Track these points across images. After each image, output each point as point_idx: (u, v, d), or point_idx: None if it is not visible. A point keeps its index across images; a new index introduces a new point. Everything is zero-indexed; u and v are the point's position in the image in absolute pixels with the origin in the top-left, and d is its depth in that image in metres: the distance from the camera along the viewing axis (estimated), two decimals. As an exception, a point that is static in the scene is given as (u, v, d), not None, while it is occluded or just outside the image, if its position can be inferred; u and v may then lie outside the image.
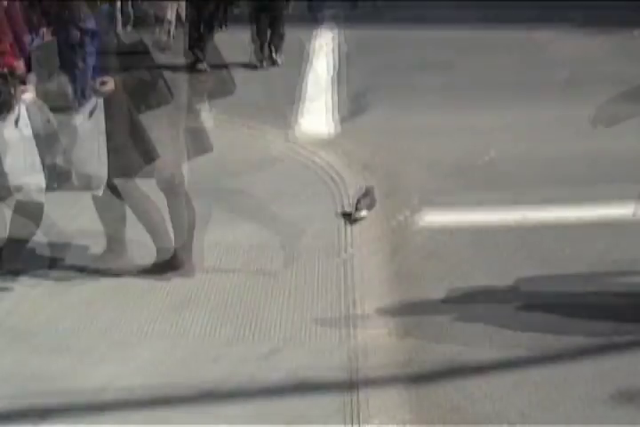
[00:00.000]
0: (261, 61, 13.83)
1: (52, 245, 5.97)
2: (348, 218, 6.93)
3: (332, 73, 14.28)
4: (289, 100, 11.60)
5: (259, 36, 14.07)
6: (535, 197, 7.52)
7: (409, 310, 5.44)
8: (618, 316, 5.34)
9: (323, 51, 16.75)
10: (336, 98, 12.17)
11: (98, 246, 5.90)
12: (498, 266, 6.12)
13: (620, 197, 7.39)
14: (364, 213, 6.93)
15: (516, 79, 13.42)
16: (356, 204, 7.00)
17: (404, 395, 4.46)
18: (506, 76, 13.69)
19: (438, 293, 5.71)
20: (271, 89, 11.96)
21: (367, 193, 7.15)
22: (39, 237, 5.86)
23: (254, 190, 7.46)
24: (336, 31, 19.51)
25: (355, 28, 20.11)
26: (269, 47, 14.21)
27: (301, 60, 15.17)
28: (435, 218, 7.08)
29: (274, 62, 14.08)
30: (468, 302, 5.57)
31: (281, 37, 14.39)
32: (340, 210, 7.07)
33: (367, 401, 4.29)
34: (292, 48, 17.28)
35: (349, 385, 4.43)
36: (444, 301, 5.59)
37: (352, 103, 11.87)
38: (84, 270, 5.71)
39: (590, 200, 7.40)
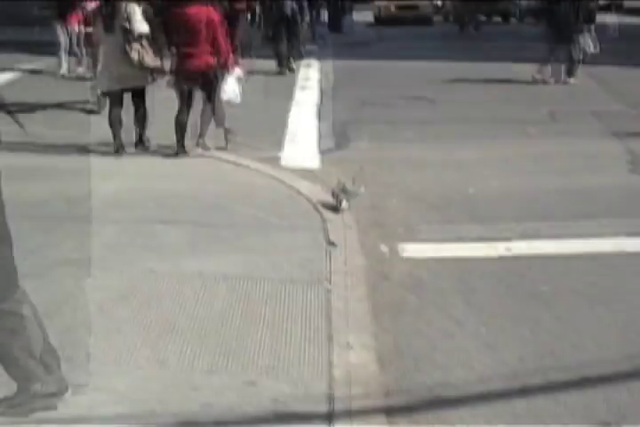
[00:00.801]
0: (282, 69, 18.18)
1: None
2: (333, 210, 7.81)
3: (316, 103, 14.39)
4: (273, 130, 11.67)
5: (281, 51, 18.35)
6: (516, 230, 7.59)
7: (390, 341, 5.43)
8: (601, 347, 5.36)
9: (309, 82, 16.90)
10: (320, 128, 12.26)
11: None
12: (479, 298, 6.14)
13: (600, 231, 7.49)
14: (344, 204, 7.86)
15: (496, 114, 13.58)
16: (337, 196, 7.90)
17: (385, 426, 4.43)
18: (487, 111, 13.86)
19: (419, 324, 5.71)
20: (257, 119, 12.02)
21: (344, 187, 8.00)
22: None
23: (238, 219, 7.49)
24: (320, 63, 19.71)
25: (340, 60, 20.39)
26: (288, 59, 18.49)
27: (287, 90, 15.30)
28: (417, 250, 7.12)
29: (290, 69, 18.21)
30: (448, 334, 5.57)
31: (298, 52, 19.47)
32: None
33: (346, 433, 4.27)
34: (278, 79, 17.44)
35: (329, 416, 4.39)
36: (425, 332, 5.59)
37: (336, 134, 11.96)
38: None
39: (571, 233, 7.47)
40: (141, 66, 9.74)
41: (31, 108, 12.25)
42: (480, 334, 5.56)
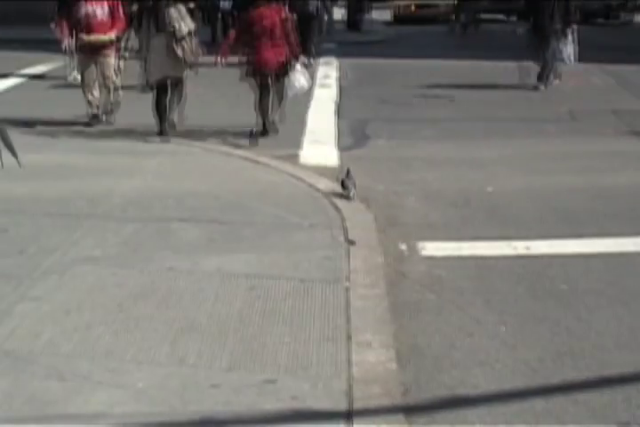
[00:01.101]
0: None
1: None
2: (343, 197, 8.15)
3: (335, 101, 14.39)
4: (292, 128, 11.68)
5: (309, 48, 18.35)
6: (536, 228, 7.57)
7: (408, 340, 5.43)
8: (621, 346, 5.34)
9: (328, 80, 16.89)
10: (339, 126, 12.26)
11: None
12: (498, 297, 6.13)
13: (620, 230, 7.46)
14: (353, 191, 8.21)
15: (516, 113, 13.55)
16: (345, 184, 8.26)
17: (402, 426, 4.42)
18: (506, 110, 13.82)
19: (438, 323, 5.71)
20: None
21: (349, 173, 8.39)
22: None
23: (257, 217, 7.50)
24: (339, 61, 19.70)
25: (359, 58, 20.36)
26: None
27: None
28: (436, 248, 7.11)
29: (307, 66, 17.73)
30: (467, 333, 5.56)
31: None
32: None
33: (365, 431, 4.27)
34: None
35: (348, 414, 4.39)
36: (444, 331, 5.58)
37: (355, 132, 11.96)
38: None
39: (590, 233, 7.45)
40: (184, 61, 11.07)
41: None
42: (499, 333, 5.55)
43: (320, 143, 11.14)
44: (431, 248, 7.13)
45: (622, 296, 6.12)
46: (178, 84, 11.38)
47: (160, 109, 11.21)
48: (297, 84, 11.35)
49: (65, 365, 4.76)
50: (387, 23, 36.16)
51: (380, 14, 37.10)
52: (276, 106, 11.60)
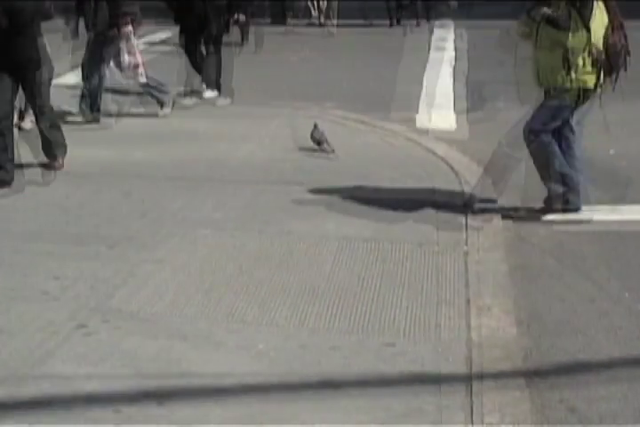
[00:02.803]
0: None
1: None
2: (323, 152, 8.36)
3: (452, 64, 14.21)
4: (408, 91, 11.59)
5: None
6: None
7: (529, 305, 5.35)
8: None
9: (444, 42, 16.69)
10: (456, 89, 12.11)
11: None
12: (621, 262, 6.00)
13: None
14: (325, 144, 8.39)
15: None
16: (318, 140, 8.42)
17: (523, 391, 4.36)
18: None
19: (559, 288, 5.61)
20: (392, 79, 11.95)
21: (316, 127, 8.52)
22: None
23: (374, 181, 7.48)
24: (455, 22, 19.42)
25: (475, 20, 20.03)
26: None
27: (422, 50, 15.13)
28: (556, 214, 6.96)
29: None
30: (589, 298, 5.46)
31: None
32: None
33: (484, 396, 4.22)
34: (412, 38, 17.29)
35: (467, 379, 4.37)
36: (565, 297, 5.49)
37: (472, 95, 11.79)
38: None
39: None
40: None
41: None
42: (623, 299, 5.43)
43: (437, 106, 11.02)
44: (552, 214, 6.99)
45: None
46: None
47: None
48: None
49: (187, 326, 4.85)
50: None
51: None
52: None
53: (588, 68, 6.48)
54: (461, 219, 6.59)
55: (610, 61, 6.45)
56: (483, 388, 4.29)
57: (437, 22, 19.57)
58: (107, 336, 4.71)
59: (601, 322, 5.13)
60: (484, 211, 6.82)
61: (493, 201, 7.10)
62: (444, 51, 15.83)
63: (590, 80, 6.55)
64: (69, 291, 5.29)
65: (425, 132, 9.54)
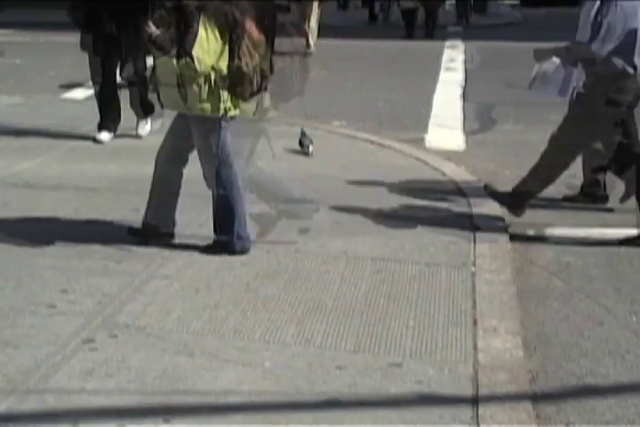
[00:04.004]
0: None
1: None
2: (303, 154, 9.06)
3: (461, 85, 14.25)
4: (418, 111, 11.62)
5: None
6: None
7: (535, 327, 5.35)
8: None
9: (454, 63, 16.74)
10: (465, 110, 12.14)
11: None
12: (629, 286, 5.99)
13: None
14: (311, 148, 9.06)
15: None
16: (301, 142, 9.13)
17: (529, 414, 4.35)
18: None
19: (566, 310, 5.61)
20: (401, 99, 12.00)
21: (304, 133, 9.23)
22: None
23: (382, 201, 7.49)
24: (465, 44, 19.49)
25: (485, 41, 20.12)
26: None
27: (432, 71, 15.21)
28: (564, 234, 6.97)
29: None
30: (597, 321, 5.45)
31: None
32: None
33: (490, 418, 4.21)
34: (422, 59, 17.35)
35: (473, 401, 4.35)
36: (573, 319, 5.48)
37: (481, 116, 11.82)
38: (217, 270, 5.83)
39: None
40: None
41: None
42: (630, 323, 5.42)
43: (446, 127, 11.06)
44: (559, 234, 7.00)
45: None
46: None
47: None
48: None
49: (194, 342, 4.85)
50: (514, 5, 35.62)
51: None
52: None
53: None
54: (469, 239, 6.59)
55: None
56: (489, 410, 4.28)
57: (447, 43, 19.64)
58: (113, 351, 4.71)
59: (608, 346, 5.12)
60: (491, 231, 6.82)
61: (501, 220, 7.12)
62: (454, 71, 15.89)
63: None
64: (77, 305, 5.30)
65: (433, 152, 9.54)
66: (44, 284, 5.61)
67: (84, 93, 12.30)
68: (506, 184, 8.21)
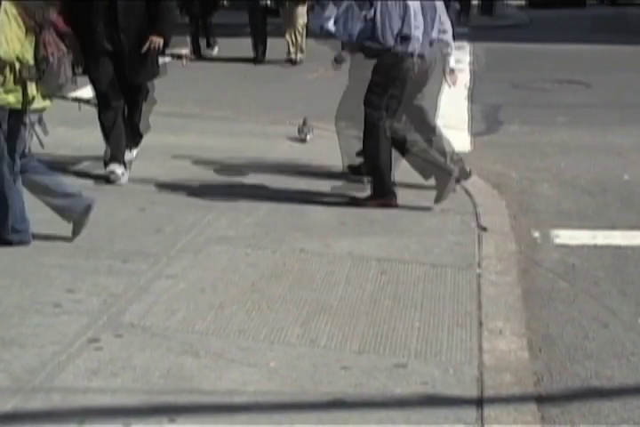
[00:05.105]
0: None
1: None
2: (300, 141, 9.58)
3: (468, 86, 14.23)
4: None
5: None
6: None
7: (540, 329, 5.35)
8: None
9: (460, 64, 16.70)
10: (472, 111, 12.13)
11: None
12: (634, 288, 5.98)
13: None
14: (309, 136, 9.57)
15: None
16: (300, 129, 9.62)
17: (533, 416, 4.35)
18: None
19: (571, 312, 5.61)
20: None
21: (305, 122, 9.68)
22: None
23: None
24: (472, 45, 19.47)
25: (492, 43, 20.10)
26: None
27: (438, 72, 15.12)
28: (570, 236, 6.98)
29: None
30: (602, 323, 5.44)
31: None
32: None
33: (495, 419, 4.21)
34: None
35: (477, 402, 4.35)
36: (578, 320, 5.48)
37: (487, 117, 11.82)
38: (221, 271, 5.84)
39: None
40: None
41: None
42: (636, 325, 5.41)
43: (452, 128, 11.00)
44: (565, 236, 7.00)
45: None
46: None
47: None
48: None
49: (199, 342, 4.85)
50: (520, 7, 35.58)
51: (514, -2, 36.50)
52: None
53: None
54: (475, 241, 6.59)
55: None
56: (493, 411, 4.27)
57: (455, 44, 19.61)
58: (119, 351, 4.71)
59: (613, 348, 5.11)
60: (497, 233, 6.82)
61: (507, 222, 7.12)
62: (460, 72, 15.84)
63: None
64: (82, 304, 5.31)
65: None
66: (50, 283, 5.62)
67: None
68: (512, 186, 8.24)
